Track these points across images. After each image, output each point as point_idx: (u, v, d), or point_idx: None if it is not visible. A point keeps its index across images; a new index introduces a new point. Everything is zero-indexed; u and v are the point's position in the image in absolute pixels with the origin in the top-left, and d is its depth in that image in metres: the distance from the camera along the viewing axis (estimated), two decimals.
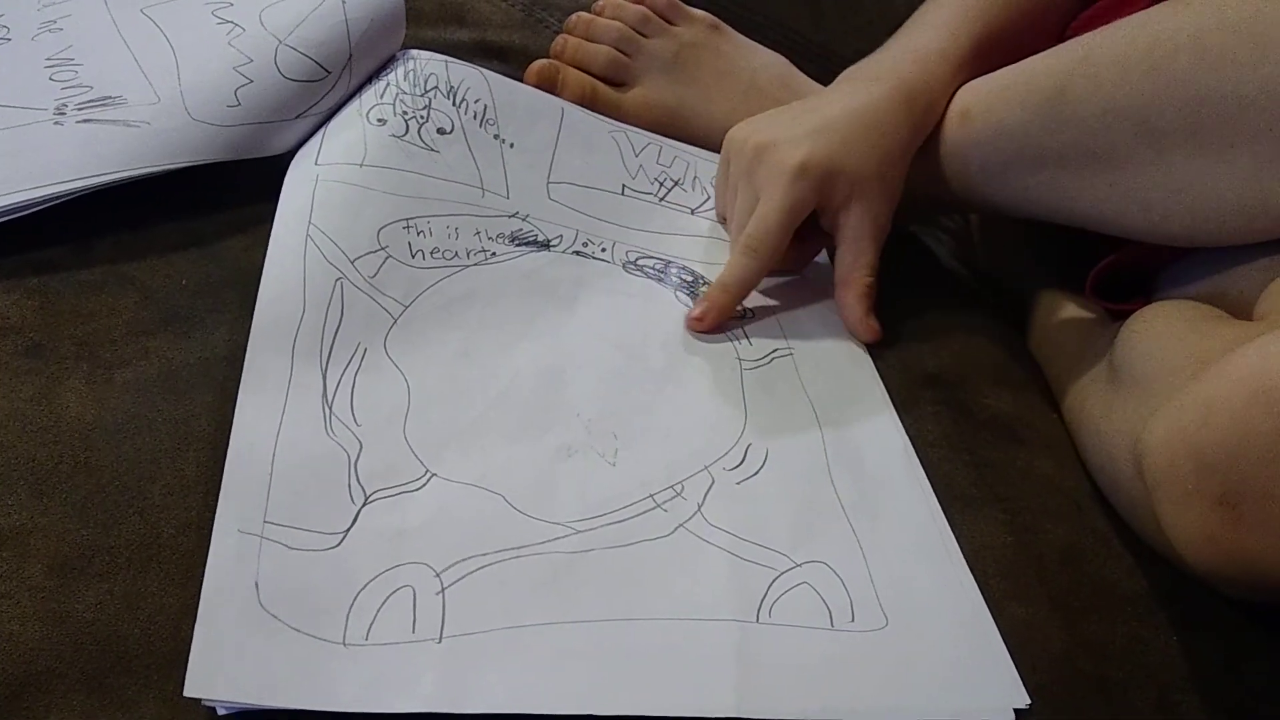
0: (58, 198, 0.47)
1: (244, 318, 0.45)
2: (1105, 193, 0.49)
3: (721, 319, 0.52)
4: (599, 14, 0.67)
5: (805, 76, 0.66)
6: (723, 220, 0.59)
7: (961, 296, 0.60)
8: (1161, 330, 0.46)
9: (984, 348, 0.56)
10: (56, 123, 0.50)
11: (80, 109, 0.51)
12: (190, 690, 0.33)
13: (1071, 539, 0.46)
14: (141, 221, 0.49)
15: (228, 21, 0.56)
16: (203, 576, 0.36)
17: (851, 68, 0.58)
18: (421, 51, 0.59)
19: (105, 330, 0.44)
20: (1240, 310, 0.47)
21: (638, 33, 0.66)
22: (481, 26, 0.68)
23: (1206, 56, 0.44)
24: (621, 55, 0.65)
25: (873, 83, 0.56)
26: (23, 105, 0.51)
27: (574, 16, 0.67)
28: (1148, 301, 0.51)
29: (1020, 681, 0.39)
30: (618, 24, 0.66)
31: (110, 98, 0.51)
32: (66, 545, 0.37)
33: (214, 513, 0.38)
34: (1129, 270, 0.55)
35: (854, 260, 0.54)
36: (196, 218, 0.50)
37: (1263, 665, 0.43)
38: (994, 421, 0.51)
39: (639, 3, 0.66)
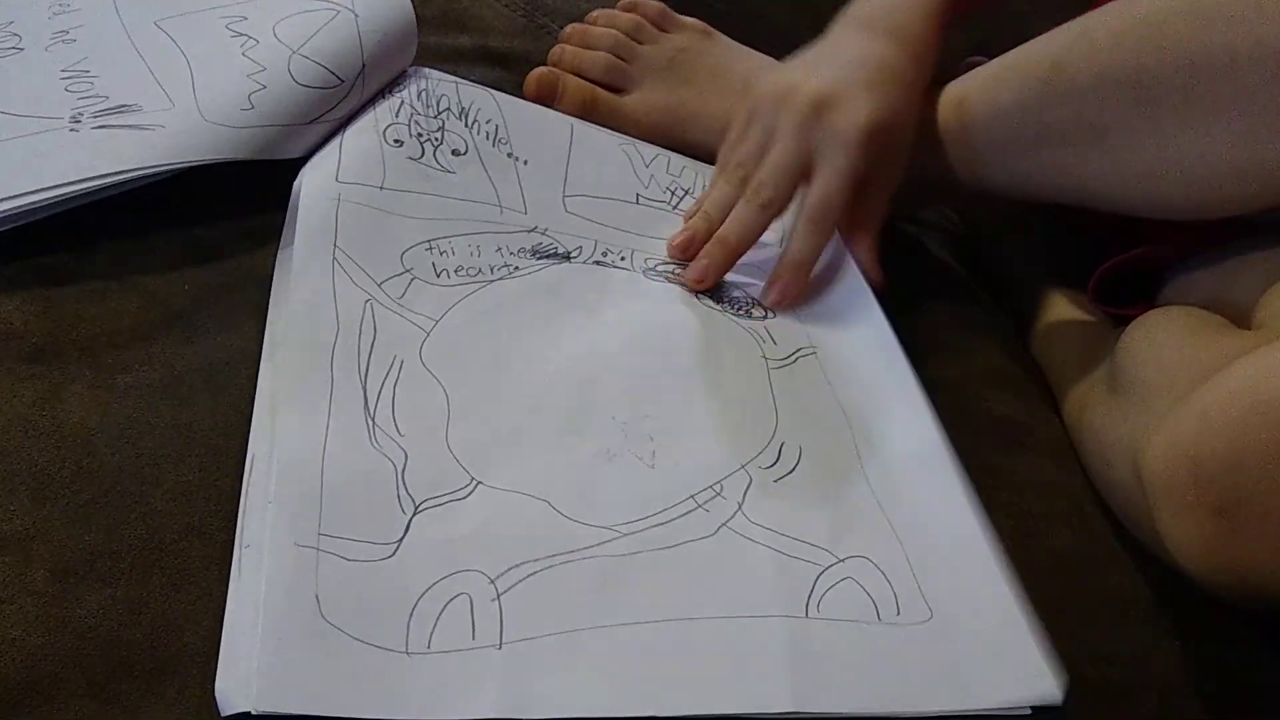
0: (72, 197, 0.47)
1: (246, 323, 0.46)
2: (1102, 166, 0.50)
3: (798, 294, 0.53)
4: (593, 24, 0.68)
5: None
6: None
7: (963, 300, 0.60)
8: (1162, 338, 0.46)
9: (986, 351, 0.56)
10: (72, 130, 0.50)
11: (96, 117, 0.51)
12: (260, 705, 0.33)
13: (1074, 544, 0.46)
14: (145, 228, 0.49)
15: (241, 34, 0.56)
16: (206, 581, 0.36)
17: (846, 13, 0.59)
18: (433, 71, 0.59)
19: (108, 335, 0.44)
20: (1242, 316, 0.47)
21: (632, 39, 0.66)
22: (484, 33, 0.68)
23: (1201, 17, 0.44)
24: (618, 61, 0.66)
25: (879, 34, 0.56)
26: (39, 115, 0.51)
27: (569, 27, 0.68)
28: (1150, 306, 0.51)
29: (1051, 674, 0.39)
30: (613, 31, 0.66)
31: (126, 106, 0.52)
32: (69, 550, 0.37)
33: (216, 518, 0.38)
34: (1131, 275, 0.55)
35: (873, 210, 0.55)
36: (199, 225, 0.50)
37: (1265, 670, 0.43)
38: (997, 426, 0.51)
39: (630, 11, 0.67)
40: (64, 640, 0.34)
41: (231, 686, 0.33)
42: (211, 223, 0.50)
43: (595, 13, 0.68)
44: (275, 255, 0.49)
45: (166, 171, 0.49)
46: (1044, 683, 0.39)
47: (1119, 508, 0.47)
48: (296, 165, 0.53)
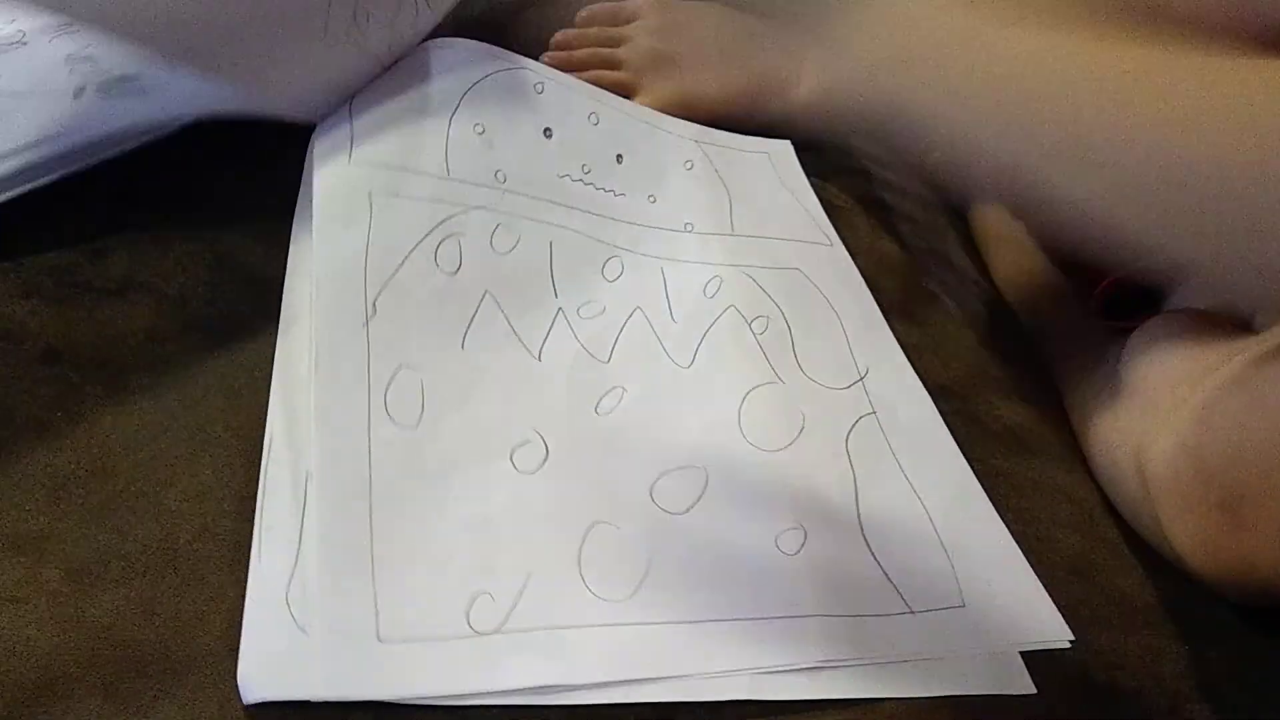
0: (81, 152, 0.47)
1: (261, 326, 0.46)
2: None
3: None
4: (564, 47, 0.68)
5: (746, 15, 0.71)
6: None
7: (973, 305, 0.60)
8: (1164, 342, 0.47)
9: (995, 358, 0.56)
10: (75, 99, 0.50)
11: (99, 88, 0.51)
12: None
13: (1083, 549, 0.46)
14: (159, 231, 0.49)
15: None
16: (219, 582, 0.37)
17: None
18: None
19: (122, 337, 0.44)
20: (1245, 326, 0.47)
21: (609, 49, 0.68)
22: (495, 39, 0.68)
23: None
24: (618, 75, 0.67)
25: None
26: (42, 90, 0.51)
27: (549, 57, 0.68)
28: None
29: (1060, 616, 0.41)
30: (594, 50, 0.67)
31: (129, 77, 0.52)
32: (83, 550, 0.37)
33: (230, 519, 0.38)
34: (1136, 288, 0.55)
35: None
36: (214, 228, 0.50)
37: (1273, 675, 0.43)
38: (1006, 432, 0.51)
39: (589, 25, 0.69)
40: (78, 640, 0.34)
41: (253, 674, 0.34)
42: (226, 226, 0.51)
43: (560, 36, 0.69)
44: (288, 259, 0.49)
45: (171, 126, 0.49)
46: (1053, 622, 0.40)
47: (1126, 512, 0.47)
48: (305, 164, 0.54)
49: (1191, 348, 0.45)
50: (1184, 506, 0.41)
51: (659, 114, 0.64)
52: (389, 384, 0.43)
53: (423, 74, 0.55)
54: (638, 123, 0.62)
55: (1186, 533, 0.41)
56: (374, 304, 0.46)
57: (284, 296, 0.47)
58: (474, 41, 0.58)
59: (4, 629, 0.34)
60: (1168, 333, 0.48)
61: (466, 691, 0.35)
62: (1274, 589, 0.40)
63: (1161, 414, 0.43)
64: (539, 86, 0.59)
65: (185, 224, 0.50)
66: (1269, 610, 0.44)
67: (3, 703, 0.33)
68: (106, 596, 0.36)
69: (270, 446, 0.40)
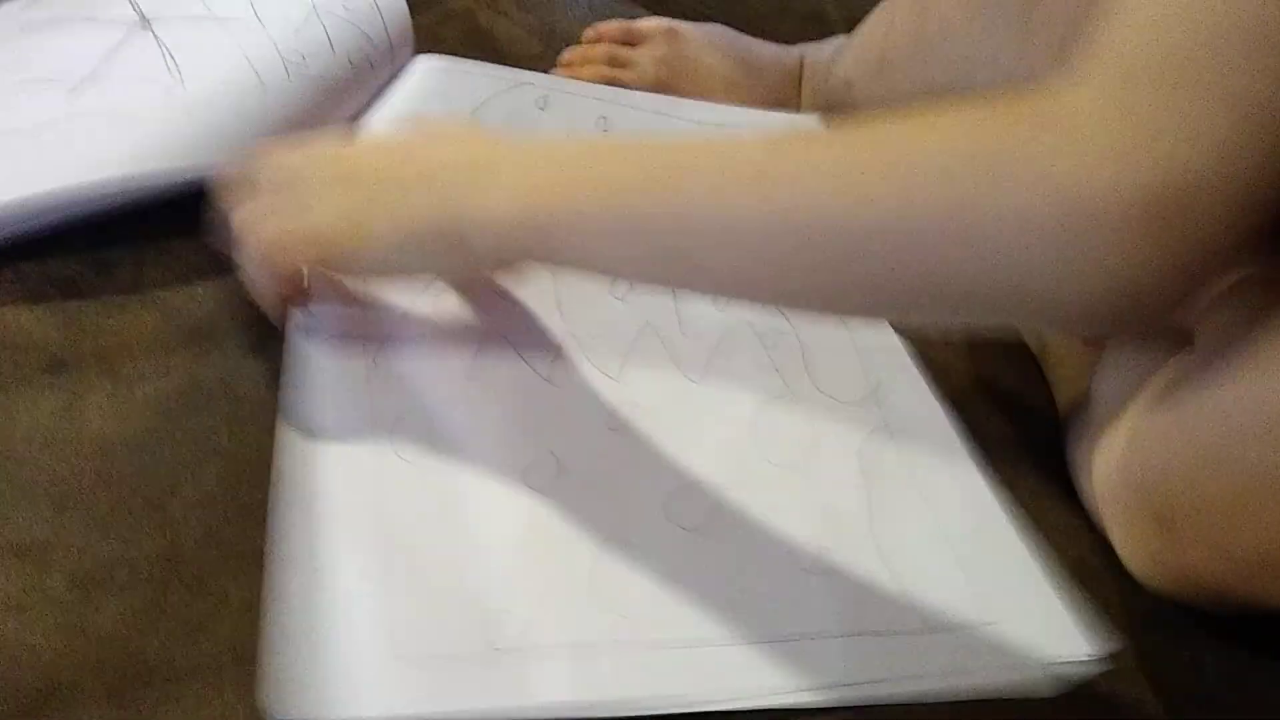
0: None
1: (261, 336, 0.46)
2: None
3: None
4: (569, 66, 0.69)
5: (749, 38, 0.71)
6: None
7: None
8: (1121, 363, 0.48)
9: (995, 369, 0.56)
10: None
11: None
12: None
13: (1080, 556, 0.46)
14: (163, 242, 0.49)
15: None
16: (224, 589, 0.37)
17: None
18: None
19: (127, 347, 0.44)
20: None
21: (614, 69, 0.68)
22: (500, 56, 0.68)
23: None
24: (618, 75, 0.67)
25: None
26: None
27: (566, 53, 0.69)
28: None
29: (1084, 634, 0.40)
30: (604, 46, 0.68)
31: None
32: (88, 559, 0.37)
33: (234, 526, 0.39)
34: None
35: None
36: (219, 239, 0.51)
37: (1271, 680, 0.43)
38: (1004, 442, 0.51)
39: (598, 41, 0.70)
40: (83, 648, 0.35)
41: (277, 695, 0.34)
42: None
43: (567, 55, 0.69)
44: None
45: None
46: (1073, 636, 0.40)
47: (1096, 523, 0.47)
48: None
49: (1141, 367, 0.46)
50: (1125, 521, 0.42)
51: (676, 101, 0.62)
52: (393, 430, 0.43)
53: (423, 101, 0.56)
54: (651, 117, 0.60)
55: (1129, 546, 0.43)
56: (374, 359, 0.45)
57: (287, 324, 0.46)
58: (470, 62, 0.58)
59: (9, 637, 0.34)
60: (1125, 354, 0.49)
61: (484, 709, 0.35)
62: (1218, 599, 0.41)
63: (1106, 432, 0.44)
64: (542, 101, 0.58)
65: (190, 235, 0.50)
66: (1266, 617, 0.44)
67: (7, 710, 0.33)
68: (111, 604, 0.36)
69: (280, 481, 0.40)
